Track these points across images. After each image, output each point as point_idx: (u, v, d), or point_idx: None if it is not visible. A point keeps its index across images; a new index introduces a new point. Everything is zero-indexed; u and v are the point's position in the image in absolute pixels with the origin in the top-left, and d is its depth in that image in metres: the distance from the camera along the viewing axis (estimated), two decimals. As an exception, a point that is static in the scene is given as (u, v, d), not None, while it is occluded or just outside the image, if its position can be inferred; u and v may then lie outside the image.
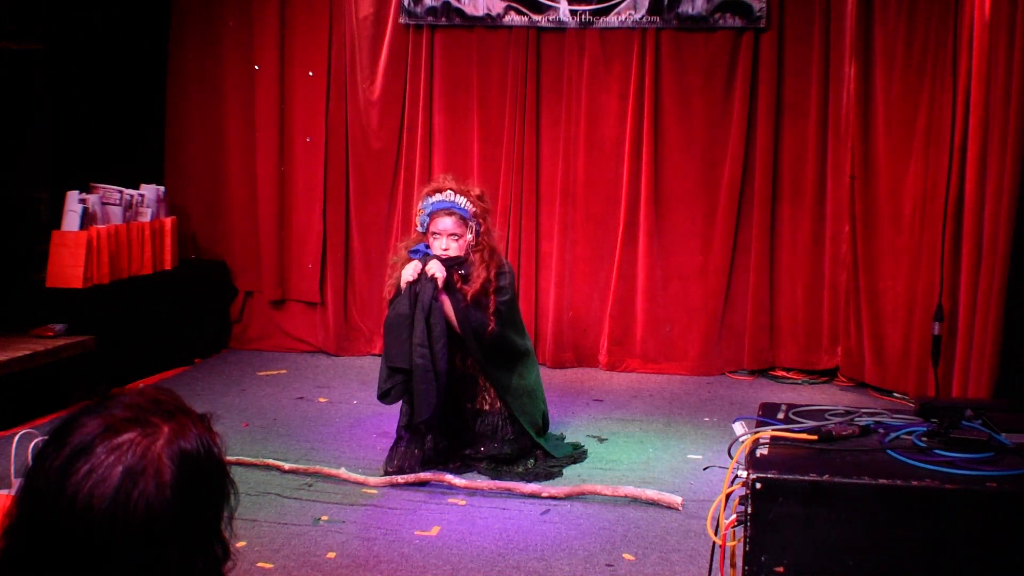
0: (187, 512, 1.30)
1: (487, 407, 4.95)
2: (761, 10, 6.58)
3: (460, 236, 4.81)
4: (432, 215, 4.82)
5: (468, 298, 4.77)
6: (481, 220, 4.86)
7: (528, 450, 4.95)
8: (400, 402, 4.92)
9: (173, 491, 1.29)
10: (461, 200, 4.81)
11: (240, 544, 3.99)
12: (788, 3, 6.62)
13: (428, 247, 4.84)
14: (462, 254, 4.82)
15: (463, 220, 4.81)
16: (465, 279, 4.82)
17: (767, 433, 2.75)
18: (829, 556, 2.49)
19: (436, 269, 4.73)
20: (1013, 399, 4.79)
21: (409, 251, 4.89)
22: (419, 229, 4.92)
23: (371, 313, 7.24)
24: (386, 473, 4.84)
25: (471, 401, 4.96)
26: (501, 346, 4.88)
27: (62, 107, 6.44)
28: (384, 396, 4.83)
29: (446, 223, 4.81)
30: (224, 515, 1.37)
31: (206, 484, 1.35)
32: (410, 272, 4.74)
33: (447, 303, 4.75)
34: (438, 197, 4.83)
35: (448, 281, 4.75)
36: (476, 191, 4.92)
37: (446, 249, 4.80)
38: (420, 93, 6.99)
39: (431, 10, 6.90)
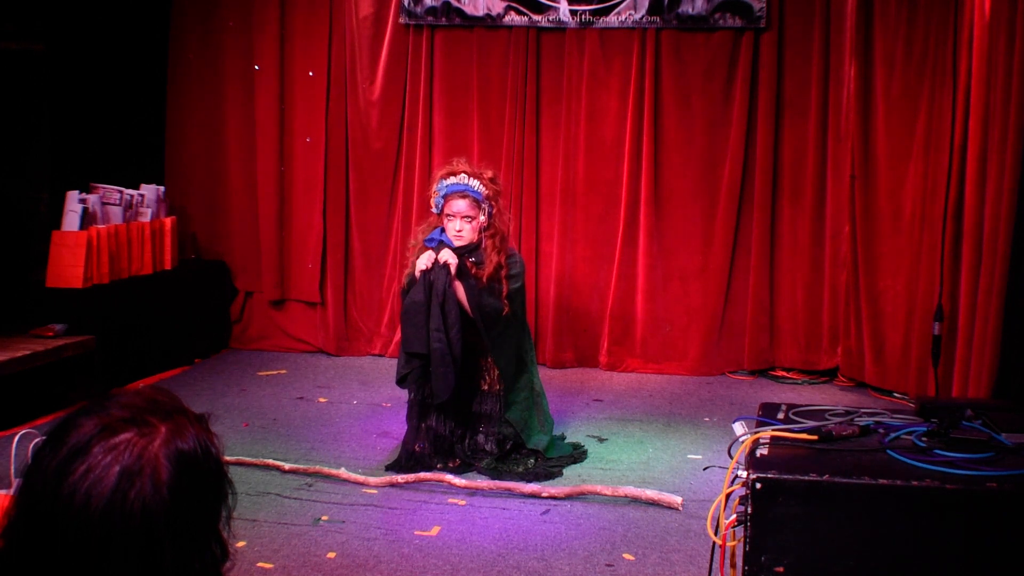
0: (184, 512, 1.30)
1: (486, 387, 5.04)
2: (761, 10, 6.57)
3: (474, 218, 4.91)
4: (447, 197, 4.92)
5: (482, 282, 4.87)
6: (494, 202, 4.96)
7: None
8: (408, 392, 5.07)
9: (170, 491, 1.29)
10: (475, 183, 4.91)
11: (240, 544, 3.99)
12: (788, 3, 6.62)
13: (443, 230, 4.92)
14: (476, 236, 4.93)
15: (476, 202, 4.90)
16: (478, 264, 4.91)
17: (767, 433, 2.75)
18: (829, 556, 2.49)
19: (448, 256, 4.83)
20: (1013, 399, 4.79)
21: (424, 240, 4.98)
22: (434, 211, 5.01)
23: (371, 313, 7.24)
24: (409, 451, 4.94)
25: (471, 379, 5.01)
26: (512, 335, 4.97)
27: (62, 107, 6.43)
28: (402, 381, 5.00)
29: (460, 205, 4.88)
30: (222, 515, 1.37)
31: (203, 484, 1.34)
32: (424, 261, 4.85)
33: (460, 289, 4.85)
34: (452, 180, 4.93)
35: (461, 267, 4.85)
36: (488, 173, 5.03)
37: (460, 231, 4.89)
38: (420, 93, 6.99)
39: (431, 10, 6.90)
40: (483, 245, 4.93)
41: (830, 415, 2.91)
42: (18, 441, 3.67)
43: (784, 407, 3.02)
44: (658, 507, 4.48)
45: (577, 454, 5.14)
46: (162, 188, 7.00)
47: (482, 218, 4.93)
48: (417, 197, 6.89)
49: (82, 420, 1.32)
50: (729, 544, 2.71)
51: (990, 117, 5.39)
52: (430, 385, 4.87)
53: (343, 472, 4.79)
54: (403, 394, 5.18)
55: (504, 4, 6.82)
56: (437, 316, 4.78)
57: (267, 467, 4.87)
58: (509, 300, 4.89)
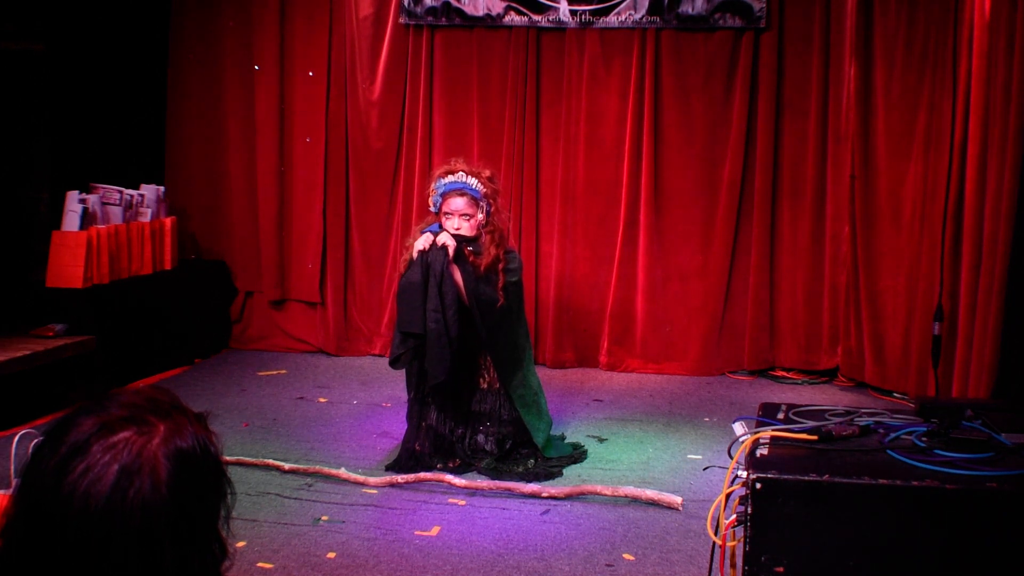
0: (183, 511, 1.30)
1: (485, 385, 5.04)
2: (761, 10, 6.57)
3: (472, 216, 4.91)
4: (445, 195, 4.92)
5: (479, 271, 4.86)
6: (492, 201, 4.97)
7: (526, 434, 4.99)
8: (408, 391, 5.06)
9: (169, 489, 1.28)
10: (472, 181, 4.92)
11: (240, 544, 3.99)
12: (788, 3, 6.62)
13: (441, 226, 4.92)
14: (474, 233, 4.92)
15: (475, 200, 4.91)
16: (476, 255, 4.92)
17: (767, 433, 2.75)
18: (829, 556, 2.49)
19: (447, 239, 4.83)
20: (1013, 399, 4.79)
21: (423, 230, 4.98)
22: (432, 210, 5.01)
23: (371, 313, 7.24)
24: (409, 450, 4.94)
25: (470, 377, 5.01)
26: (507, 329, 4.95)
27: (62, 107, 6.44)
28: (395, 362, 4.95)
29: (458, 203, 4.89)
30: (221, 514, 1.37)
31: (202, 483, 1.34)
32: (422, 242, 4.85)
33: (457, 272, 4.84)
34: (450, 178, 4.93)
35: (459, 252, 4.84)
36: (487, 173, 5.04)
37: (458, 228, 4.89)
38: (420, 93, 6.99)
39: (431, 10, 6.90)
40: (482, 239, 4.94)
41: (830, 415, 2.91)
42: (18, 441, 3.67)
43: (784, 407, 3.02)
44: (658, 507, 4.48)
45: (577, 454, 5.14)
46: (162, 188, 7.00)
47: (480, 216, 4.93)
48: (417, 197, 6.89)
49: (81, 419, 1.31)
50: (729, 544, 2.71)
51: (990, 117, 5.39)
52: (427, 369, 4.85)
53: (343, 472, 4.78)
54: (403, 394, 5.18)
55: (504, 4, 6.82)
56: (434, 297, 4.76)
57: (267, 467, 4.87)
58: (505, 292, 4.88)
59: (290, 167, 7.27)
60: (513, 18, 6.84)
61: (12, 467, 3.90)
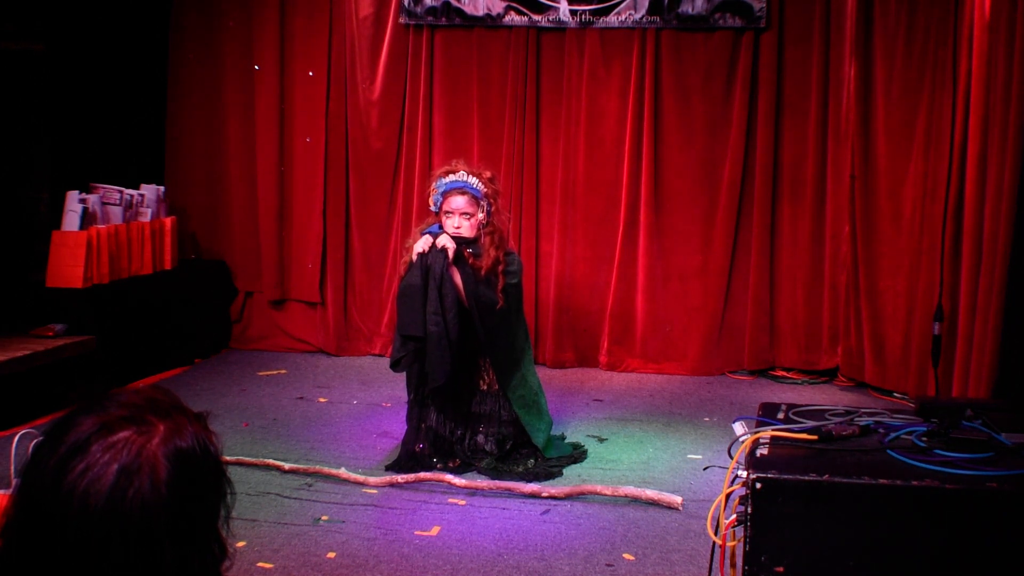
0: (183, 510, 1.30)
1: (485, 387, 5.04)
2: (761, 10, 6.57)
3: (472, 215, 4.90)
4: (445, 194, 4.91)
5: (479, 273, 4.86)
6: (492, 201, 4.96)
7: (526, 435, 4.99)
8: (408, 392, 5.06)
9: (169, 489, 1.28)
10: (473, 180, 4.92)
11: (240, 544, 3.99)
12: (788, 3, 6.62)
13: (441, 226, 4.92)
14: (474, 233, 4.92)
15: (475, 200, 4.90)
16: (476, 256, 4.91)
17: (767, 433, 2.75)
18: (829, 556, 2.49)
19: (447, 241, 4.82)
20: (1013, 399, 4.78)
21: (423, 231, 4.98)
22: (432, 209, 5.00)
23: (371, 313, 7.25)
24: (409, 451, 4.94)
25: (470, 379, 5.01)
26: (506, 330, 4.94)
27: (62, 107, 6.44)
28: (396, 364, 4.96)
29: (459, 202, 4.88)
30: (221, 514, 1.37)
31: (202, 482, 1.34)
32: (421, 244, 4.84)
33: (456, 275, 4.84)
34: (451, 177, 4.93)
35: (459, 254, 4.84)
36: (487, 174, 5.04)
37: (458, 227, 4.89)
38: (420, 93, 6.99)
39: (431, 10, 6.90)
40: (481, 240, 4.93)
41: (830, 415, 2.91)
42: (18, 441, 3.67)
43: (784, 407, 3.02)
44: (658, 507, 4.48)
45: (577, 454, 5.14)
46: (162, 188, 7.00)
47: (480, 216, 4.93)
48: (417, 197, 6.90)
49: (81, 418, 1.31)
50: (729, 544, 2.71)
51: (990, 117, 5.39)
52: (426, 371, 4.85)
53: (343, 472, 4.78)
54: (403, 394, 5.18)
55: (504, 4, 6.82)
56: (434, 299, 4.76)
57: (267, 467, 4.87)
58: (504, 295, 4.88)
59: (290, 167, 7.28)
60: (513, 18, 6.84)
61: (12, 467, 3.90)
